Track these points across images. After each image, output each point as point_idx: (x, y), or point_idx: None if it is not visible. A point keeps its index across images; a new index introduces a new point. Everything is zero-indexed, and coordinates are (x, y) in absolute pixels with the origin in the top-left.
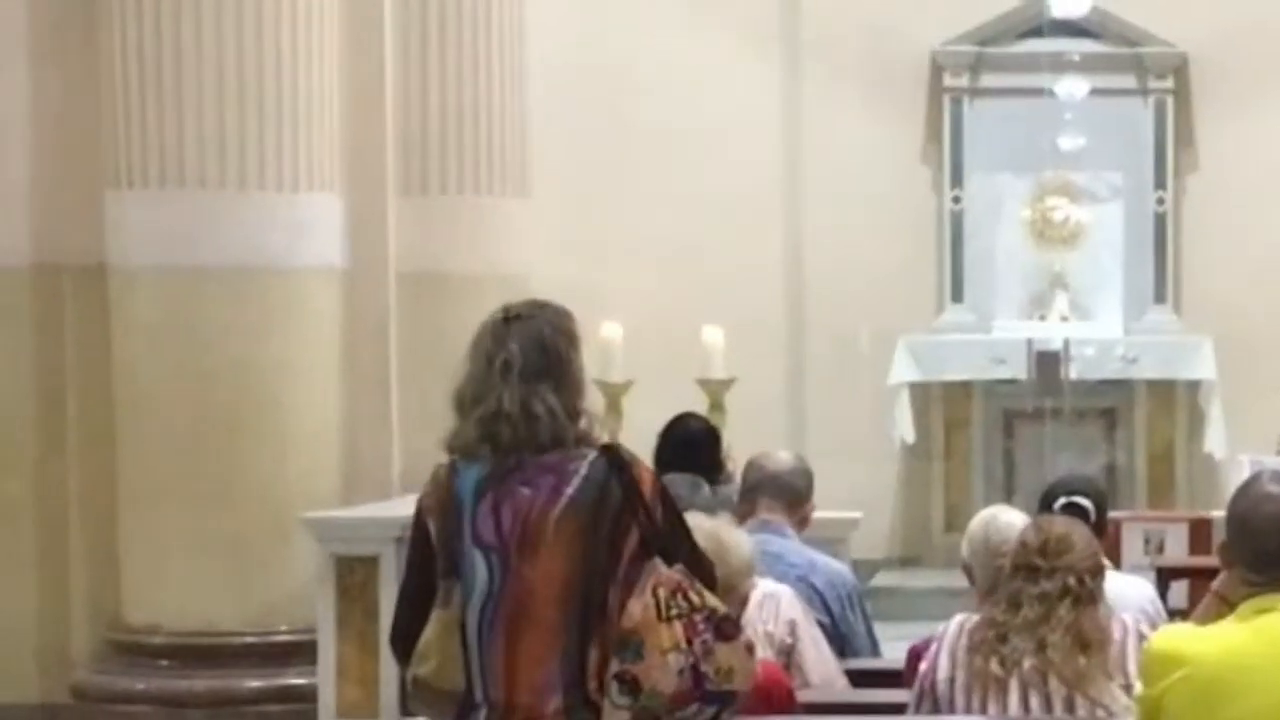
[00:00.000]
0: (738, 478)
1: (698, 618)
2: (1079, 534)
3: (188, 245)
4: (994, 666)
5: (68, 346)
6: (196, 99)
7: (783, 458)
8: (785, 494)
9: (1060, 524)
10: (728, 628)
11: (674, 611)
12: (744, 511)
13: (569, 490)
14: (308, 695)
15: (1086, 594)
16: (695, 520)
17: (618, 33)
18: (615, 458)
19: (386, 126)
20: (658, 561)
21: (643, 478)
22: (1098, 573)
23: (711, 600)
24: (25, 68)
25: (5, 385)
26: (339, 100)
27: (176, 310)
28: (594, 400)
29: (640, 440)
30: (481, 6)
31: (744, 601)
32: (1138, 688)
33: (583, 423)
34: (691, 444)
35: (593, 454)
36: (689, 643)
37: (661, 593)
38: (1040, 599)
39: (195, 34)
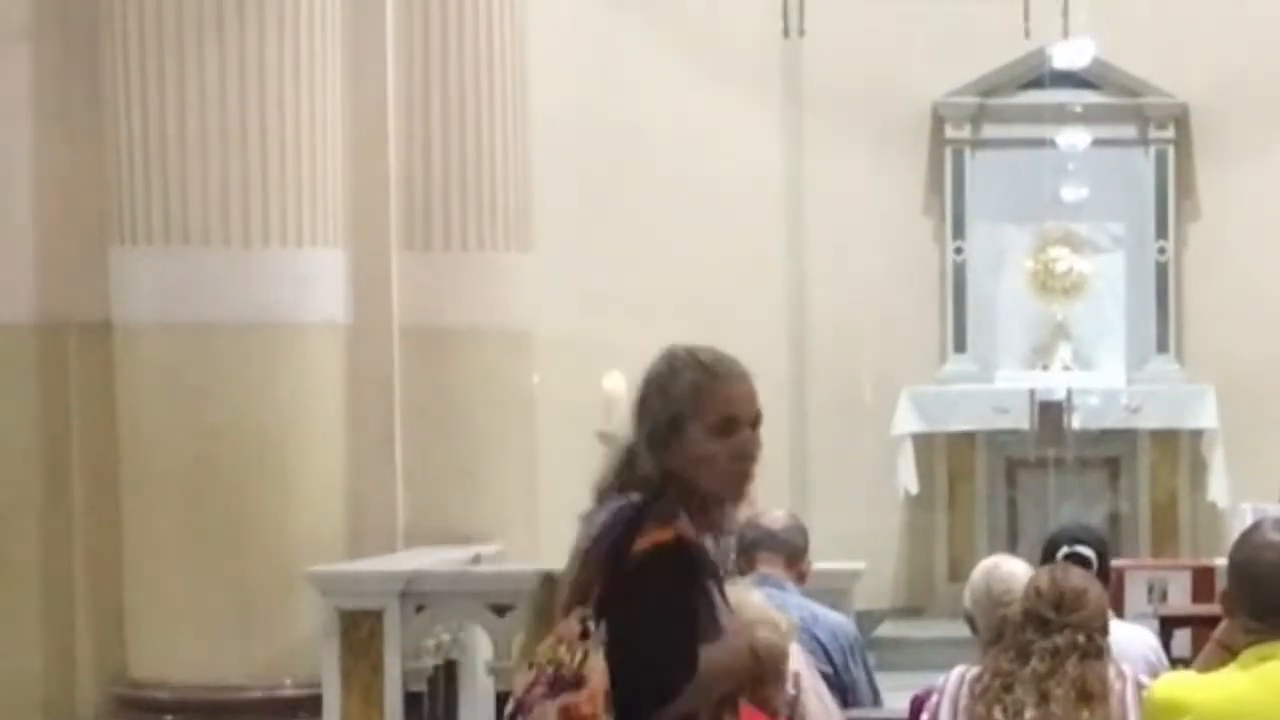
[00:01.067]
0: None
1: (548, 670)
2: (1094, 591)
3: (192, 301)
4: (997, 714)
5: (73, 402)
6: (200, 156)
7: (778, 516)
8: (783, 550)
9: (1076, 577)
10: (559, 686)
11: (540, 659)
12: (742, 568)
13: (579, 541)
14: None
15: (1094, 649)
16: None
17: (620, 86)
18: (638, 511)
19: (389, 182)
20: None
21: (637, 542)
22: (1107, 630)
23: (577, 662)
24: (30, 125)
25: (11, 440)
26: (342, 156)
27: (181, 366)
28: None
29: None
30: (484, 62)
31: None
32: None
33: (642, 467)
34: None
35: (624, 501)
36: (526, 690)
37: (548, 640)
38: (1051, 653)
39: (199, 92)
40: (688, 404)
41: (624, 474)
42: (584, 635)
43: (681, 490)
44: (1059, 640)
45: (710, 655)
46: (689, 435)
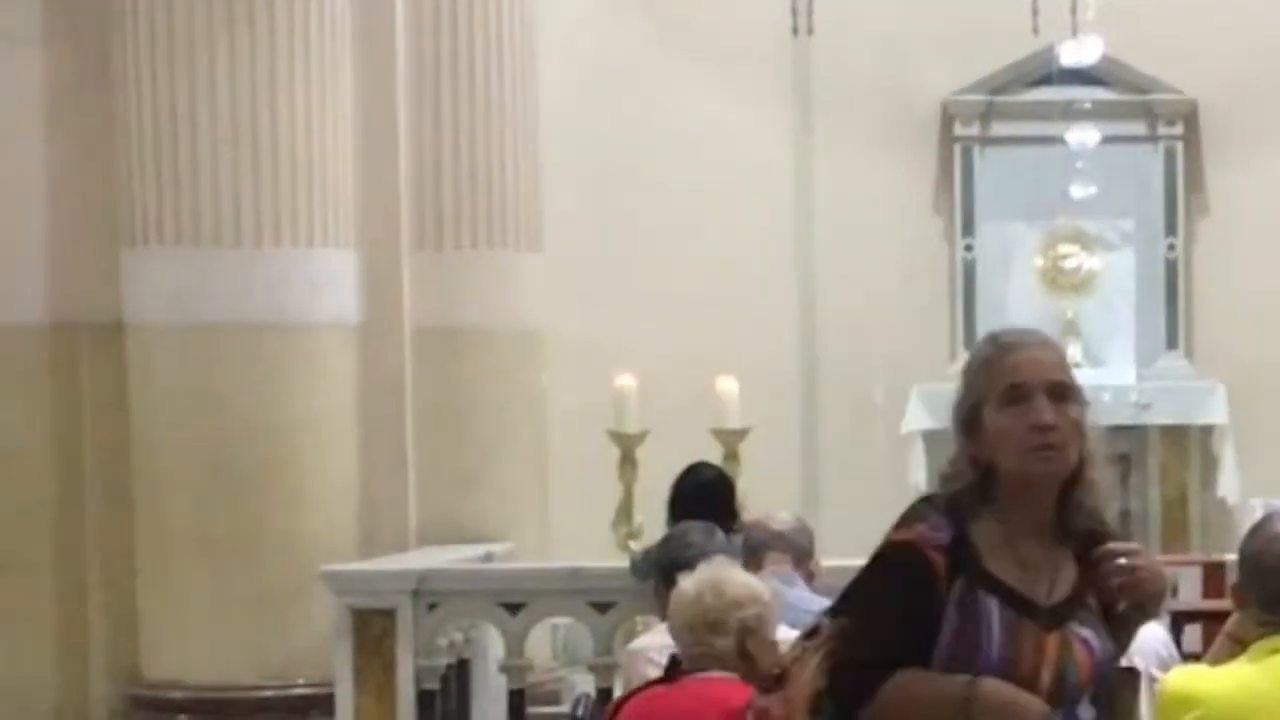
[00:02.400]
0: None
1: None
2: None
3: (204, 302)
4: None
5: (85, 404)
6: (211, 158)
7: (784, 518)
8: (791, 550)
9: None
10: (766, 684)
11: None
12: (749, 568)
13: None
14: None
15: None
16: (703, 566)
17: (629, 85)
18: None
19: (400, 182)
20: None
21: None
22: None
23: (789, 660)
24: (41, 128)
25: (23, 443)
26: (353, 157)
27: (193, 367)
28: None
29: (655, 490)
30: (494, 63)
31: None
32: None
33: (956, 464)
34: (705, 492)
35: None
36: None
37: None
38: None
39: (209, 94)
40: (980, 384)
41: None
42: (810, 634)
43: (994, 484)
44: None
45: (924, 679)
46: (986, 417)
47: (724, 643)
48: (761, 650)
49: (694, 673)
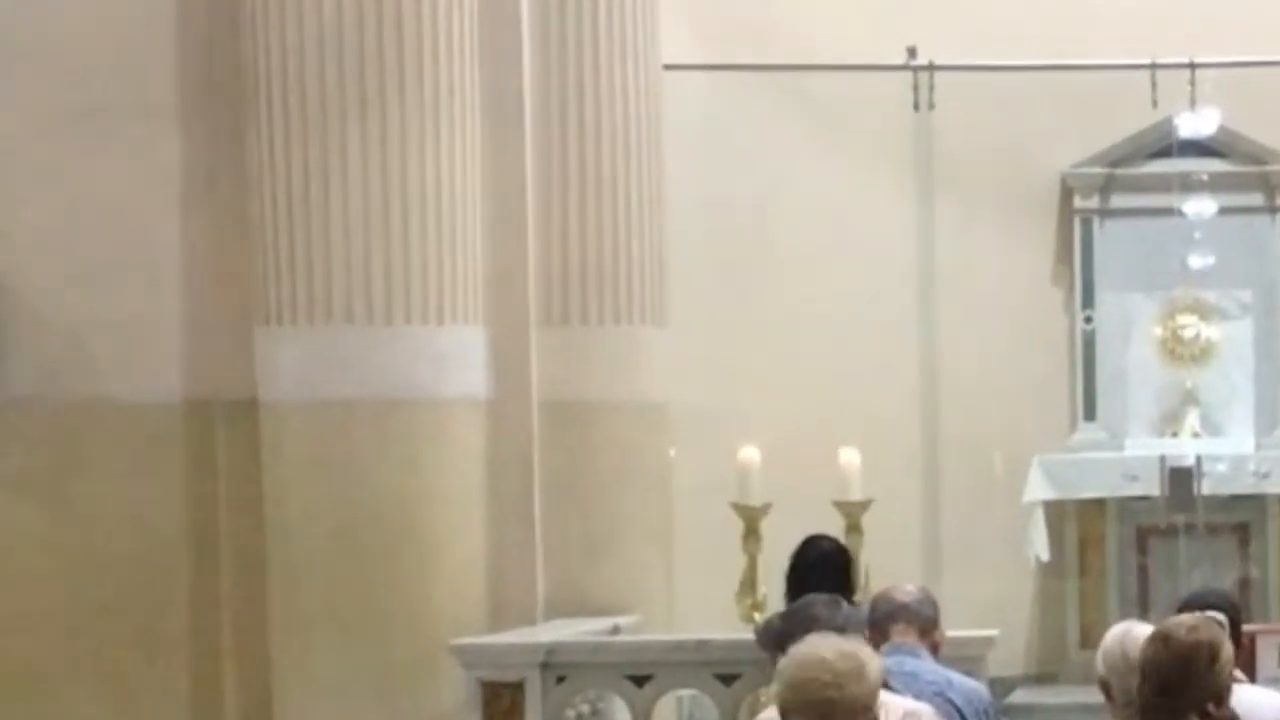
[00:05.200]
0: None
1: None
2: (1200, 662)
3: (336, 379)
4: None
5: (220, 479)
6: (343, 236)
7: (910, 589)
8: (916, 621)
9: (1179, 650)
10: None
11: None
12: (875, 639)
13: None
14: None
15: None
16: (828, 638)
17: (753, 162)
18: None
19: (528, 258)
20: None
21: None
22: (1221, 699)
23: None
24: (177, 209)
25: (160, 518)
26: (481, 234)
27: (325, 442)
28: None
29: (778, 562)
30: (620, 136)
31: None
32: None
33: None
34: (824, 564)
35: None
36: None
37: None
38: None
39: (341, 173)
40: None
41: None
42: None
43: None
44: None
45: None
46: None
47: None
48: None
49: None
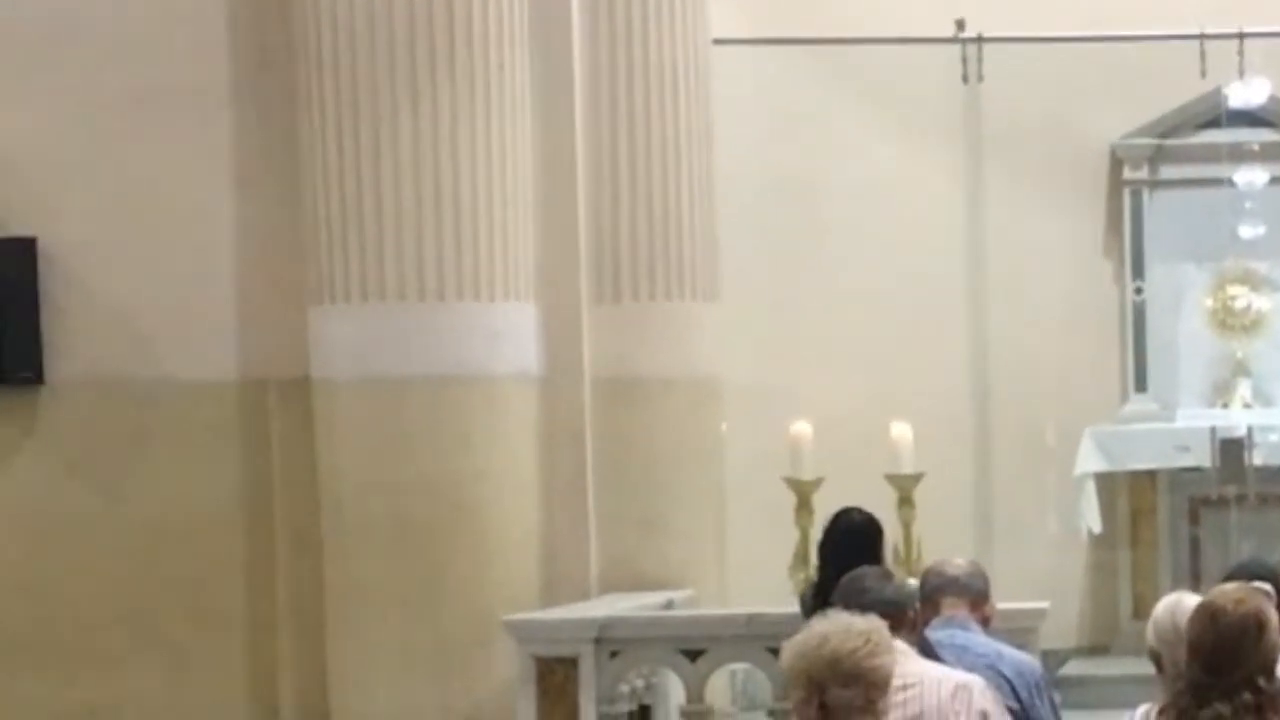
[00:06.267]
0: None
1: None
2: (1247, 641)
3: (388, 356)
4: None
5: (274, 457)
6: (395, 216)
7: (960, 563)
8: (967, 594)
9: (1228, 631)
10: None
11: None
12: (927, 612)
13: None
14: None
15: (1268, 701)
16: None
17: (804, 136)
18: None
19: (579, 235)
20: None
21: None
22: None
23: None
24: (231, 192)
25: (215, 495)
26: (532, 212)
27: (378, 420)
28: None
29: None
30: (670, 114)
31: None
32: None
33: None
34: (855, 536)
35: None
36: None
37: None
38: (1227, 698)
39: (393, 153)
40: None
41: None
42: None
43: None
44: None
45: None
46: None
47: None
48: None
49: None
